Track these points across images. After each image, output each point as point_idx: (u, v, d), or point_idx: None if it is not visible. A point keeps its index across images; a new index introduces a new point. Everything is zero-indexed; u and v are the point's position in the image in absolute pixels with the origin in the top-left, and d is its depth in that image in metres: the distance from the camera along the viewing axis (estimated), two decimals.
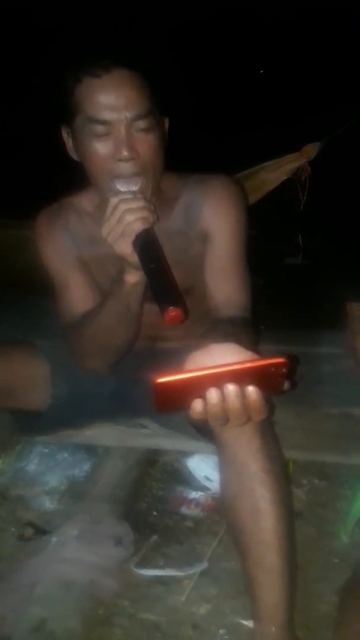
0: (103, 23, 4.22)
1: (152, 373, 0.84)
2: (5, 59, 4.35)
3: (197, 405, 0.89)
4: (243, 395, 0.87)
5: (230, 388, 0.87)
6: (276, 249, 2.88)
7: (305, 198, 2.26)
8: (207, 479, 1.63)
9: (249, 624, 1.21)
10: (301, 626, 1.21)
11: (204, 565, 1.43)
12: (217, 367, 0.86)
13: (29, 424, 1.53)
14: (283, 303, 2.52)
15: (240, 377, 0.86)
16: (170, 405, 0.91)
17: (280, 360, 0.85)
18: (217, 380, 0.87)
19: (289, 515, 1.13)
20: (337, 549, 1.47)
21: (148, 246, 1.12)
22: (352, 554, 1.45)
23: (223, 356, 0.90)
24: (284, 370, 0.86)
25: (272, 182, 2.25)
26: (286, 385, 0.89)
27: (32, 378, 1.46)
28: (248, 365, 0.86)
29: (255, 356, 0.90)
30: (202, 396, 0.88)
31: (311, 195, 2.27)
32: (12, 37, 4.53)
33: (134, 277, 1.19)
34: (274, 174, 2.22)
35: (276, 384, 0.88)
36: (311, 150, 2.17)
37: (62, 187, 1.47)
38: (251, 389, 0.87)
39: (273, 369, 0.85)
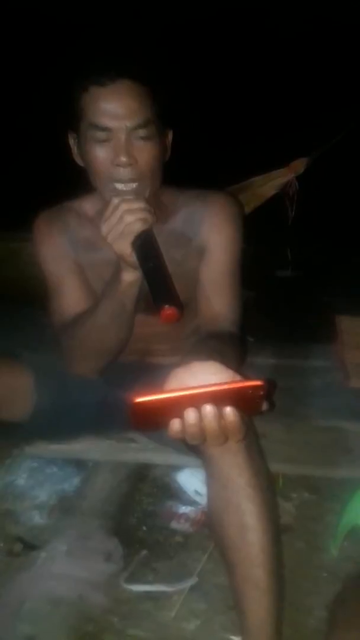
0: (111, 34, 4.26)
1: (129, 392, 0.85)
2: (8, 67, 4.37)
3: (174, 424, 0.89)
4: (220, 416, 0.88)
5: (208, 409, 0.87)
6: (267, 261, 2.89)
7: (293, 212, 2.28)
8: (197, 493, 1.63)
9: (238, 639, 1.21)
10: None
11: (193, 581, 1.42)
12: (194, 388, 0.86)
13: (12, 433, 1.53)
14: (273, 315, 2.53)
15: (218, 398, 0.87)
16: (148, 424, 0.91)
17: (257, 383, 0.85)
18: (195, 400, 0.87)
19: (276, 530, 1.13)
20: (327, 563, 1.46)
21: (147, 246, 1.14)
22: (341, 567, 1.44)
23: (204, 375, 0.90)
24: (262, 392, 0.86)
25: (261, 196, 2.27)
26: (264, 406, 0.90)
27: (16, 388, 1.46)
28: (225, 387, 0.86)
29: (236, 376, 0.91)
30: (180, 416, 0.88)
31: (301, 208, 2.29)
32: (18, 44, 4.55)
33: (130, 276, 1.20)
34: (262, 188, 2.25)
35: (254, 405, 0.88)
36: (299, 165, 2.20)
37: (56, 200, 1.49)
38: (229, 410, 0.88)
39: (251, 391, 0.86)
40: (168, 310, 0.99)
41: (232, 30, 4.67)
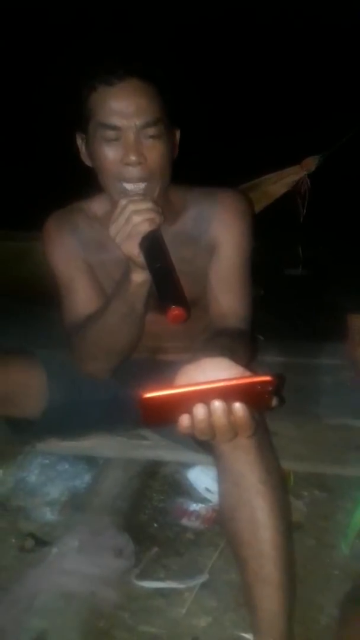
0: (119, 33, 4.27)
1: (139, 387, 0.85)
2: (19, 67, 4.39)
3: (184, 420, 0.89)
4: (230, 411, 0.88)
5: (217, 404, 0.87)
6: (277, 259, 2.89)
7: (305, 210, 2.28)
8: (208, 490, 1.63)
9: (249, 636, 1.21)
10: (301, 638, 1.21)
11: (204, 578, 1.42)
12: (203, 383, 0.86)
13: (24, 430, 1.54)
14: (283, 314, 2.52)
15: (227, 394, 0.87)
16: (158, 419, 0.91)
17: (266, 378, 0.85)
18: (204, 396, 0.87)
19: (287, 527, 1.13)
20: (338, 561, 1.46)
21: (154, 247, 1.14)
22: (352, 566, 1.44)
23: (214, 371, 0.90)
24: (271, 388, 0.86)
25: (273, 194, 2.27)
26: (274, 402, 0.90)
27: (29, 385, 1.47)
28: (234, 382, 0.86)
29: (245, 372, 0.91)
30: (189, 411, 0.88)
31: (312, 206, 2.29)
32: (24, 45, 4.56)
33: (139, 277, 1.20)
34: (274, 186, 2.25)
35: (264, 401, 0.88)
36: (311, 163, 2.19)
37: (67, 200, 1.49)
38: (238, 406, 0.88)
39: (260, 387, 0.86)
40: (175, 310, 0.99)
41: (245, 27, 4.66)
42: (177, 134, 1.34)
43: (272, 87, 4.22)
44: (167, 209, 1.35)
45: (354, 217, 3.13)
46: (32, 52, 4.49)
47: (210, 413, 0.87)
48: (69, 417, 1.49)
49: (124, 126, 1.20)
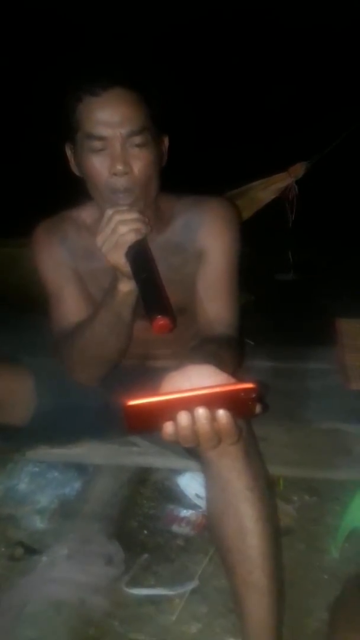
0: (104, 41, 4.28)
1: (126, 394, 0.85)
2: (7, 74, 4.39)
3: (167, 427, 0.90)
4: (213, 418, 0.88)
5: (200, 412, 0.87)
6: (267, 264, 2.90)
7: (293, 216, 2.29)
8: (198, 497, 1.63)
9: None
10: None
11: (194, 584, 1.42)
12: (187, 391, 0.87)
13: (13, 437, 1.54)
14: (274, 319, 2.54)
15: (211, 401, 0.87)
16: (142, 426, 0.92)
17: (249, 385, 0.86)
18: (188, 403, 0.87)
19: (275, 533, 1.13)
20: (328, 565, 1.47)
21: (140, 257, 1.14)
22: (342, 569, 1.45)
23: (199, 378, 0.91)
24: (254, 395, 0.86)
25: (261, 200, 2.28)
26: (258, 409, 0.90)
27: (16, 392, 1.47)
28: (217, 389, 0.87)
29: (230, 379, 0.91)
30: (173, 419, 0.89)
31: (301, 212, 2.30)
32: (15, 53, 4.57)
33: (126, 286, 1.21)
34: (262, 193, 2.25)
35: (247, 408, 0.89)
36: (299, 169, 2.20)
37: (56, 207, 1.50)
38: (221, 413, 0.88)
39: (243, 394, 0.86)
40: (160, 320, 1.00)
41: (230, 34, 4.68)
42: (166, 141, 1.35)
43: (259, 94, 4.24)
44: (156, 217, 1.36)
45: (342, 222, 3.15)
46: (20, 61, 4.50)
47: (193, 420, 0.88)
48: (58, 424, 1.49)
49: (110, 136, 1.21)
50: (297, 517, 1.61)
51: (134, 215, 1.17)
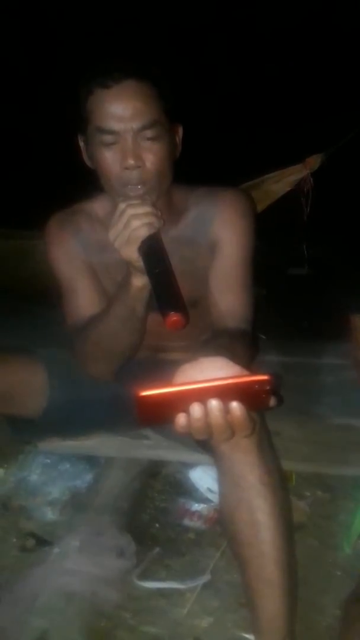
0: (115, 34, 4.26)
1: (136, 386, 0.84)
2: (19, 68, 4.39)
3: (180, 419, 0.89)
4: (226, 410, 0.87)
5: (214, 403, 0.87)
6: (280, 259, 2.88)
7: (308, 209, 2.27)
8: (210, 490, 1.62)
9: (251, 637, 1.21)
10: (303, 639, 1.21)
11: (206, 578, 1.42)
12: (200, 382, 0.86)
13: (25, 429, 1.54)
14: (286, 313, 2.51)
15: (224, 393, 0.86)
16: (154, 418, 0.92)
17: (263, 377, 0.85)
18: (201, 395, 0.87)
19: (288, 527, 1.13)
20: (340, 561, 1.46)
21: (153, 252, 1.13)
22: (355, 566, 1.44)
23: (211, 370, 0.90)
24: (268, 387, 0.85)
25: (276, 193, 2.26)
26: (272, 401, 0.89)
27: (30, 383, 1.47)
28: (231, 381, 0.86)
29: (243, 371, 0.90)
30: (186, 410, 0.88)
31: (316, 205, 2.28)
32: (27, 45, 4.57)
33: (140, 281, 1.20)
34: (277, 185, 2.24)
35: (261, 400, 0.88)
36: (314, 161, 2.18)
37: (69, 199, 1.49)
38: (234, 405, 0.87)
39: (257, 386, 0.85)
40: (173, 317, 0.99)
41: (245, 24, 4.64)
42: (180, 131, 1.33)
43: (275, 85, 4.20)
44: (169, 210, 1.35)
45: (358, 216, 3.12)
46: (33, 52, 4.49)
47: (206, 412, 0.87)
48: (70, 416, 1.49)
49: (121, 130, 1.20)
50: (310, 513, 1.60)
51: (146, 209, 1.16)
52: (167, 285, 1.08)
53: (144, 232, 1.14)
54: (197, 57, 4.28)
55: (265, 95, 4.16)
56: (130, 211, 1.14)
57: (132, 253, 1.15)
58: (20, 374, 1.47)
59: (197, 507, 1.61)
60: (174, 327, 0.99)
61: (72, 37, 4.37)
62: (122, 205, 1.16)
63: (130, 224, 1.14)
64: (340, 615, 1.30)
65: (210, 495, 1.62)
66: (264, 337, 2.07)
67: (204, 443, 1.19)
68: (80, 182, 1.40)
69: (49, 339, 1.57)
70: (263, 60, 4.41)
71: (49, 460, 1.77)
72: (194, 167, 1.48)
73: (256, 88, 4.24)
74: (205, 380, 0.87)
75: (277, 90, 4.16)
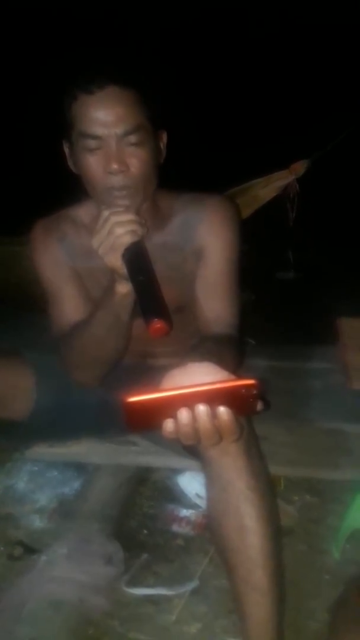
0: (100, 39, 4.27)
1: (123, 392, 0.84)
2: (4, 73, 4.39)
3: (168, 425, 0.89)
4: (214, 415, 0.88)
5: (201, 408, 0.87)
6: (267, 263, 2.89)
7: (294, 214, 2.28)
8: (198, 496, 1.62)
9: None
10: None
11: (194, 584, 1.42)
12: (187, 387, 0.86)
13: (12, 433, 1.53)
14: (274, 318, 2.53)
15: (211, 398, 0.87)
16: (142, 424, 0.91)
17: (250, 382, 0.85)
18: (188, 400, 0.87)
19: (276, 533, 1.13)
20: (329, 566, 1.46)
21: (136, 259, 1.13)
22: (343, 570, 1.44)
23: (199, 376, 0.90)
24: (255, 391, 0.86)
25: (262, 198, 2.26)
26: (259, 406, 0.90)
27: (17, 385, 1.47)
28: (218, 386, 0.86)
29: (230, 376, 0.91)
30: (174, 416, 0.88)
31: (302, 210, 2.29)
32: (13, 51, 4.57)
33: (124, 288, 1.20)
34: (263, 190, 2.24)
35: (248, 405, 0.88)
36: (300, 167, 2.19)
37: (55, 204, 1.49)
38: (222, 410, 0.88)
39: (244, 390, 0.86)
40: (157, 324, 1.00)
41: (231, 31, 4.68)
42: (164, 137, 1.34)
43: (261, 91, 4.23)
44: (154, 216, 1.35)
45: (343, 220, 3.14)
46: (18, 59, 4.49)
47: (194, 417, 0.87)
48: (57, 420, 1.48)
49: (105, 135, 1.20)
50: (298, 518, 1.60)
51: (130, 216, 1.16)
52: (150, 293, 1.08)
53: (127, 240, 1.14)
54: (183, 63, 4.29)
55: (252, 101, 4.18)
56: (114, 219, 1.14)
57: (115, 260, 1.14)
58: (7, 376, 1.47)
59: (185, 513, 1.61)
60: (157, 334, 1.00)
61: (59, 42, 4.37)
62: (105, 213, 1.16)
63: (113, 231, 1.14)
64: (329, 619, 1.30)
65: (198, 501, 1.62)
66: (252, 341, 2.07)
67: (192, 448, 1.19)
68: (65, 188, 1.40)
69: (37, 345, 1.56)
70: (250, 67, 4.43)
71: (36, 468, 1.76)
72: (180, 173, 1.48)
73: (243, 94, 4.26)
74: (193, 385, 0.87)
75: (263, 97, 4.19)
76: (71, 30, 4.56)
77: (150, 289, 1.08)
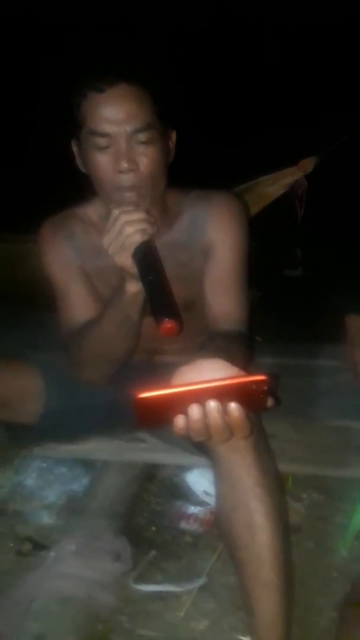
0: (109, 37, 4.27)
1: (133, 388, 0.85)
2: (12, 71, 4.39)
3: (179, 421, 0.89)
4: (225, 411, 0.88)
5: (212, 405, 0.87)
6: (275, 260, 2.88)
7: (302, 211, 2.27)
8: (206, 493, 1.62)
9: (248, 639, 1.21)
10: None
11: (202, 581, 1.42)
12: (198, 383, 0.86)
13: (22, 435, 1.54)
14: (282, 315, 2.52)
15: (222, 394, 0.87)
16: (153, 420, 0.91)
17: (261, 377, 0.85)
18: (199, 396, 0.87)
19: (285, 530, 1.13)
20: (337, 563, 1.46)
21: (147, 258, 1.13)
22: (351, 568, 1.44)
23: (209, 372, 0.90)
24: (265, 387, 0.86)
25: (270, 195, 2.26)
26: (269, 402, 0.90)
27: (25, 389, 1.47)
28: (228, 382, 0.86)
29: (240, 372, 0.91)
30: (184, 412, 0.88)
31: (309, 207, 2.28)
32: (20, 48, 4.57)
33: (134, 287, 1.20)
34: (271, 187, 2.24)
35: (259, 401, 0.88)
36: (308, 164, 2.19)
37: (64, 202, 1.49)
38: (233, 406, 0.88)
39: (254, 386, 0.86)
40: (167, 324, 1.00)
41: (240, 28, 4.66)
42: (173, 136, 1.34)
43: (269, 88, 4.22)
44: (163, 214, 1.35)
45: (352, 218, 3.13)
46: (26, 57, 4.49)
47: (205, 413, 0.87)
48: (67, 421, 1.48)
49: (115, 133, 1.20)
50: (306, 515, 1.60)
51: (140, 215, 1.16)
52: (161, 292, 1.08)
53: (137, 239, 1.14)
54: (191, 60, 4.29)
55: (261, 98, 4.17)
56: (124, 218, 1.14)
57: (126, 259, 1.15)
58: (16, 380, 1.47)
59: (193, 510, 1.61)
60: (168, 334, 1.00)
61: (67, 40, 4.37)
62: (115, 212, 1.16)
63: (124, 230, 1.14)
64: (336, 617, 1.30)
65: (206, 498, 1.62)
66: (259, 339, 2.07)
67: (201, 446, 1.19)
68: (74, 187, 1.40)
69: (44, 344, 1.57)
70: (259, 63, 4.42)
71: (45, 464, 1.76)
72: (188, 171, 1.48)
73: (252, 91, 4.25)
74: (203, 381, 0.87)
75: (272, 93, 4.18)
76: (80, 29, 4.55)
77: (160, 288, 1.09)
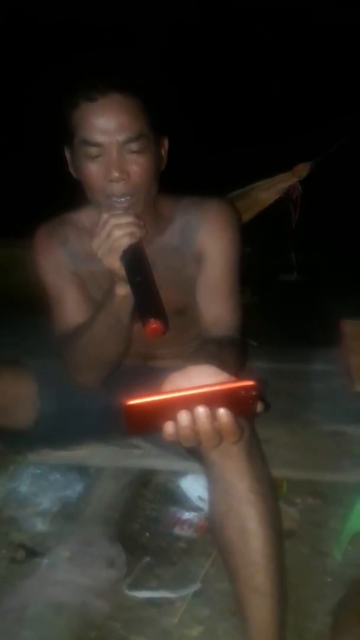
0: (102, 46, 4.28)
1: (123, 395, 0.85)
2: (6, 78, 4.40)
3: (168, 427, 0.89)
4: (214, 417, 0.88)
5: (201, 410, 0.87)
6: (270, 265, 2.89)
7: (297, 216, 2.28)
8: (201, 499, 1.62)
9: None
10: None
11: (196, 587, 1.42)
12: (186, 389, 0.87)
13: (16, 442, 1.53)
14: (277, 320, 2.52)
15: (211, 400, 0.87)
16: (142, 427, 0.91)
17: (249, 383, 0.85)
18: (188, 402, 0.87)
19: (278, 535, 1.13)
20: (331, 568, 1.46)
21: (134, 260, 1.14)
22: (345, 573, 1.44)
23: (199, 378, 0.90)
24: (254, 393, 0.86)
25: (265, 201, 2.27)
26: (259, 407, 0.90)
27: (19, 396, 1.47)
28: (217, 388, 0.87)
29: (230, 378, 0.91)
30: (174, 418, 0.88)
31: (304, 213, 2.29)
32: (14, 55, 4.58)
33: (123, 290, 1.20)
34: (266, 193, 2.24)
35: (248, 406, 0.88)
36: (302, 169, 2.19)
37: (58, 208, 1.49)
38: (222, 412, 0.88)
39: (243, 392, 0.86)
40: (153, 324, 1.01)
41: (233, 34, 4.68)
42: (165, 143, 1.34)
43: (263, 94, 4.23)
44: (155, 220, 1.36)
45: (346, 222, 3.14)
46: (19, 65, 4.51)
47: (194, 419, 0.87)
48: (61, 427, 1.48)
49: (106, 143, 1.20)
50: (300, 520, 1.60)
51: (128, 219, 1.16)
52: (147, 293, 1.09)
53: (125, 242, 1.14)
54: (185, 66, 4.30)
55: (255, 103, 4.19)
56: (113, 221, 1.15)
57: (114, 262, 1.15)
58: (8, 387, 1.47)
59: (187, 515, 1.61)
60: (154, 334, 1.00)
61: (61, 48, 4.39)
62: (105, 216, 1.17)
63: (112, 233, 1.14)
64: (330, 622, 1.30)
65: (200, 504, 1.62)
66: (254, 343, 2.07)
67: (194, 451, 1.19)
68: (68, 193, 1.40)
69: (38, 349, 1.56)
70: (253, 68, 4.44)
71: (39, 471, 1.76)
72: (182, 177, 1.48)
73: (245, 96, 4.26)
74: (192, 387, 0.87)
75: (267, 98, 4.19)
76: (72, 37, 4.56)
77: (146, 289, 1.09)
